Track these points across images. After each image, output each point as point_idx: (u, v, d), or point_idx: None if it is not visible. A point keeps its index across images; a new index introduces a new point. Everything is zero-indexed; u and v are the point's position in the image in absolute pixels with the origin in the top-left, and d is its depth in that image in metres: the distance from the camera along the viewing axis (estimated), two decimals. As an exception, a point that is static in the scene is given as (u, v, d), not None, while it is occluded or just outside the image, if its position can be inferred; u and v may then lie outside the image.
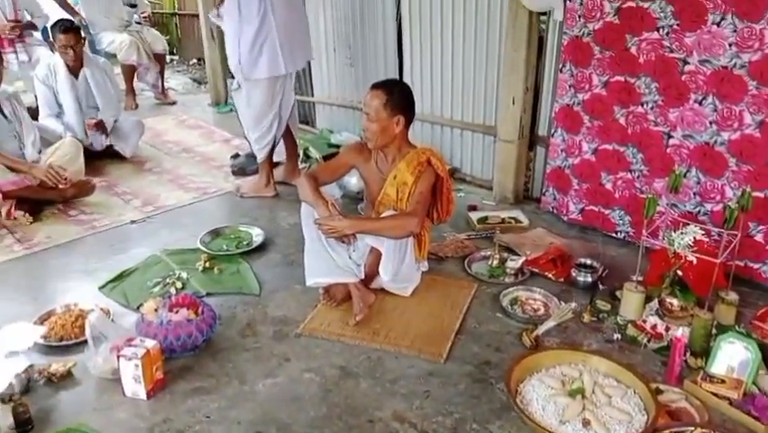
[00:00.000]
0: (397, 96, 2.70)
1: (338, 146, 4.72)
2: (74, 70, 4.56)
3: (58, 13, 5.60)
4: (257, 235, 3.49)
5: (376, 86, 2.75)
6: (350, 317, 2.70)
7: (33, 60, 5.18)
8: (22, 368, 2.32)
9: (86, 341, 2.47)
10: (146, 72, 6.13)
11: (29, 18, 5.38)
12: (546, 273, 3.02)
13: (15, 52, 4.86)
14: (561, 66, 3.35)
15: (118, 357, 2.25)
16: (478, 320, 2.73)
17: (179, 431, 2.13)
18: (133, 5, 6.08)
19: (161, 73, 6.40)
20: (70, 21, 4.79)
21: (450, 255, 3.22)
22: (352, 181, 3.84)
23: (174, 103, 6.31)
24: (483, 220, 3.58)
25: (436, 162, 2.76)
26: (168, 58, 6.95)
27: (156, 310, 2.52)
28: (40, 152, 3.96)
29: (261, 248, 3.38)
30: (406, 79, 4.27)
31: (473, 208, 3.74)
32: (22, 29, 5.27)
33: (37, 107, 4.62)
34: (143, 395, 2.25)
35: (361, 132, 2.75)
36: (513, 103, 3.62)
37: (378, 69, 4.58)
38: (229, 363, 2.47)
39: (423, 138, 4.15)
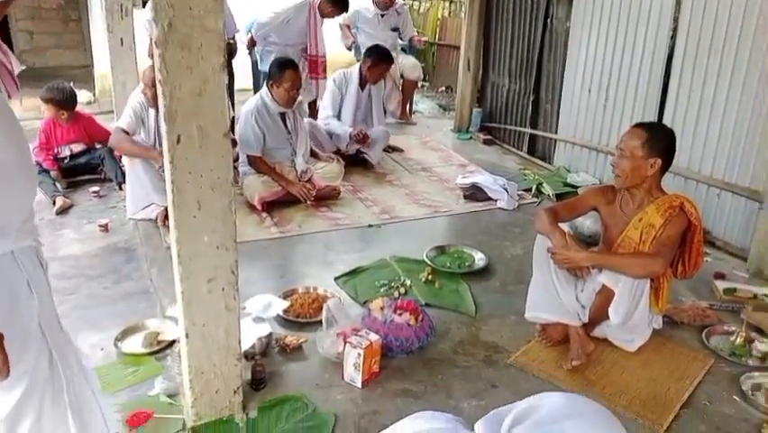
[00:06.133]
0: (659, 139, 2.58)
1: (574, 186, 4.62)
2: (363, 84, 5.12)
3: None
4: (479, 259, 3.55)
5: (639, 125, 2.68)
6: (564, 361, 2.62)
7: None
8: (264, 333, 2.65)
9: (318, 322, 2.75)
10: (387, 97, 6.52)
11: None
12: (803, 366, 2.62)
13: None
14: None
15: (345, 343, 2.46)
16: (709, 398, 2.47)
17: (385, 426, 2.18)
18: (395, 29, 6.57)
19: (410, 98, 6.83)
20: (386, 50, 5.29)
21: (686, 321, 2.95)
22: (586, 224, 3.72)
23: (414, 124, 6.69)
24: (731, 291, 3.21)
25: (690, 208, 2.57)
26: (419, 84, 7.38)
27: (382, 309, 2.70)
28: (307, 162, 4.45)
29: (482, 272, 3.43)
30: (664, 127, 4.03)
31: (720, 277, 3.37)
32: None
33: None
34: (359, 383, 2.43)
35: (612, 168, 2.67)
36: (791, 169, 3.22)
37: (635, 113, 4.39)
38: (439, 375, 2.55)
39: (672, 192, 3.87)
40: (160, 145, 3.90)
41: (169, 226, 3.73)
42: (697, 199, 3.85)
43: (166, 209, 3.75)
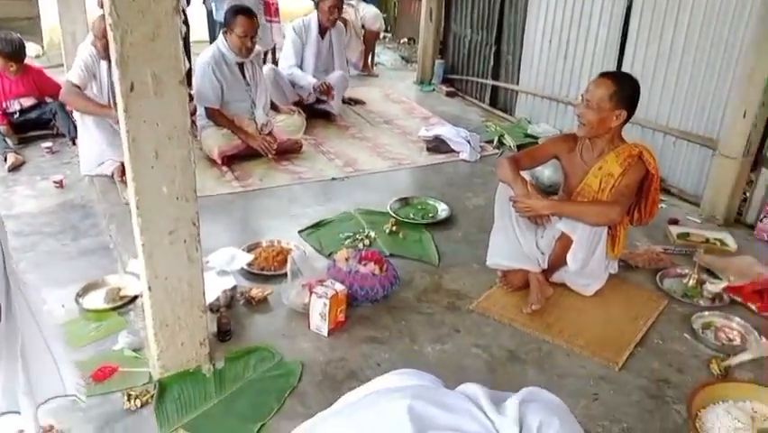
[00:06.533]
0: (626, 91, 2.58)
1: (534, 137, 4.66)
2: (323, 31, 5.00)
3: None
4: (442, 210, 3.58)
5: (606, 74, 2.68)
6: (524, 305, 2.69)
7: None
8: (229, 286, 2.65)
9: (282, 275, 2.76)
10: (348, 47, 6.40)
11: None
12: (749, 304, 2.75)
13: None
14: (812, 82, 2.98)
15: (310, 293, 2.47)
16: (662, 337, 2.58)
17: (352, 371, 2.30)
18: None
19: (371, 49, 6.73)
20: None
21: (641, 265, 3.05)
22: (546, 173, 3.77)
23: (376, 76, 6.62)
24: (684, 236, 3.32)
25: (648, 158, 2.62)
26: (381, 35, 7.26)
27: (347, 260, 2.71)
28: (268, 114, 4.36)
29: (444, 223, 3.47)
30: (622, 77, 4.07)
31: (674, 222, 3.49)
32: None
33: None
34: (325, 332, 2.46)
35: (577, 117, 2.68)
36: (744, 116, 3.30)
37: (594, 63, 4.41)
38: (403, 321, 2.60)
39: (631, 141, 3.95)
40: (114, 99, 3.79)
41: (126, 182, 3.67)
42: (653, 147, 3.94)
43: (122, 164, 3.69)
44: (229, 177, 3.95)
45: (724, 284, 2.84)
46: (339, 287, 2.49)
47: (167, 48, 1.75)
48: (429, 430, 1.20)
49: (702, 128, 3.73)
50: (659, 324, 2.66)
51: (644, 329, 2.60)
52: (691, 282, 2.88)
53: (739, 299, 2.79)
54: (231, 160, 4.09)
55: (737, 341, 2.54)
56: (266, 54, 5.58)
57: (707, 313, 2.70)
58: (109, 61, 3.64)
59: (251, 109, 4.26)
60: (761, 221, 3.35)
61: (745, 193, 3.55)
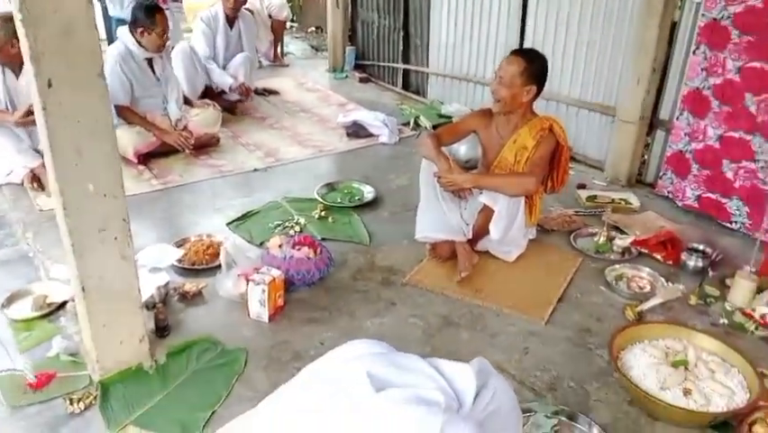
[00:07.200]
0: (536, 67, 2.74)
1: (448, 117, 4.82)
2: (230, 20, 4.99)
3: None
4: (368, 192, 3.67)
5: (517, 52, 2.82)
6: (454, 274, 2.82)
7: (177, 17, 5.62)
8: (162, 282, 2.62)
9: (214, 268, 2.76)
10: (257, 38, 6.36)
11: None
12: (655, 255, 3.01)
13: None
14: (694, 48, 3.27)
15: (247, 282, 2.49)
16: (580, 291, 2.78)
17: (297, 352, 2.34)
18: None
19: (280, 39, 6.70)
20: None
21: (556, 229, 3.26)
22: (461, 150, 3.92)
23: (287, 65, 6.61)
24: (592, 198, 3.57)
25: (558, 130, 2.80)
26: (287, 24, 7.24)
27: (280, 246, 2.75)
28: (181, 109, 4.27)
29: (371, 204, 3.56)
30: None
31: (582, 187, 3.73)
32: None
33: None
34: (266, 318, 2.49)
35: (492, 93, 2.81)
36: (638, 83, 3.57)
37: (498, 42, 4.61)
38: (341, 301, 2.67)
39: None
40: (12, 105, 3.60)
41: (38, 188, 3.51)
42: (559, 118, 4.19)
43: (32, 171, 3.53)
44: (147, 175, 3.86)
45: (631, 239, 3.09)
46: (275, 272, 2.52)
47: (83, 41, 1.72)
48: (387, 388, 1.27)
49: (601, 97, 4.00)
50: (577, 280, 2.86)
51: (564, 286, 2.79)
52: (602, 240, 3.11)
53: (646, 251, 3.04)
54: (147, 158, 4.00)
55: (647, 288, 2.78)
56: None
57: (618, 266, 2.93)
58: (2, 64, 3.48)
59: (162, 105, 4.17)
60: (660, 178, 3.64)
61: (643, 155, 3.85)
